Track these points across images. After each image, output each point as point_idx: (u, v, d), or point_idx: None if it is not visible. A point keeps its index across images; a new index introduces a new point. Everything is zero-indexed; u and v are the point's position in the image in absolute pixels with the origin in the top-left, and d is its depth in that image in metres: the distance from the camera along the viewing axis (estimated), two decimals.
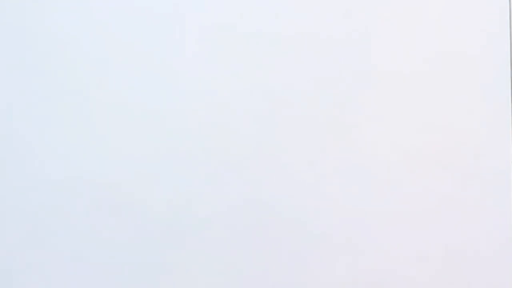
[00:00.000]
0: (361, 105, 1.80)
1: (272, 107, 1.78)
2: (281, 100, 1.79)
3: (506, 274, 1.81)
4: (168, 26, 1.77)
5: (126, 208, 1.74)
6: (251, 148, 1.77)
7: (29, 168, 1.72)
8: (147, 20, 1.76)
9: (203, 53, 1.77)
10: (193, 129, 1.76)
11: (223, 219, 1.76)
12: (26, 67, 1.74)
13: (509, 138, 1.83)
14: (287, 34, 1.80)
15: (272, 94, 1.79)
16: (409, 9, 1.82)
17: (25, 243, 1.71)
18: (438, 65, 1.82)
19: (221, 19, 1.78)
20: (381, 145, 1.80)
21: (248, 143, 1.77)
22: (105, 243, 1.73)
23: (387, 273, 1.79)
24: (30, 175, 1.72)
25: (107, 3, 1.76)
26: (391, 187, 1.80)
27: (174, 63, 1.76)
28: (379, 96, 1.81)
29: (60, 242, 1.72)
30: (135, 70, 1.76)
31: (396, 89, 1.81)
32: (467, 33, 1.83)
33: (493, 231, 1.81)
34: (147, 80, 1.76)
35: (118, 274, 1.73)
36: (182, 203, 1.75)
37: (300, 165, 1.78)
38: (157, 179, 1.75)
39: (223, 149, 1.77)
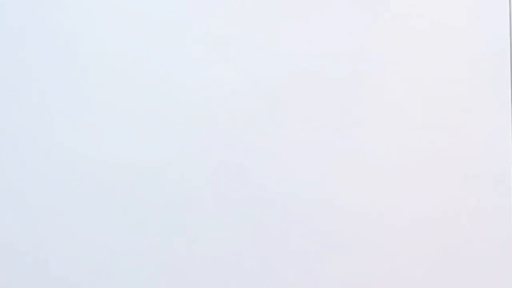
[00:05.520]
0: (363, 106, 1.80)
1: (274, 107, 1.78)
2: (282, 100, 1.79)
3: (506, 274, 1.81)
4: (172, 29, 1.77)
5: (127, 205, 1.74)
6: (253, 148, 1.77)
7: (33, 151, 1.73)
8: (150, 22, 1.77)
9: (204, 54, 1.78)
10: (194, 129, 1.76)
11: (222, 218, 1.76)
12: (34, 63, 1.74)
13: (509, 138, 1.83)
14: (288, 38, 1.80)
15: (273, 94, 1.79)
16: (410, 10, 1.82)
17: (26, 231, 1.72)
18: (438, 66, 1.82)
19: (224, 27, 1.78)
20: (382, 146, 1.80)
21: (250, 143, 1.77)
22: (101, 240, 1.73)
23: (386, 273, 1.79)
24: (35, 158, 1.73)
25: (112, 6, 1.76)
26: (391, 187, 1.80)
27: (175, 64, 1.77)
28: (381, 97, 1.81)
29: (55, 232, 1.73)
30: (139, 72, 1.76)
31: (397, 90, 1.81)
32: (467, 33, 1.83)
33: (493, 231, 1.81)
34: (151, 83, 1.76)
35: (117, 269, 1.73)
36: (182, 201, 1.75)
37: (301, 164, 1.78)
38: (159, 176, 1.75)
39: (224, 149, 1.77)
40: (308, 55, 1.80)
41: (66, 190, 1.72)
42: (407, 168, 1.80)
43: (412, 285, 1.79)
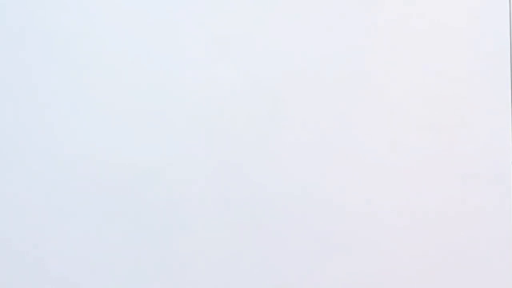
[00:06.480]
0: (363, 106, 1.80)
1: (274, 107, 1.78)
2: (282, 100, 1.79)
3: (506, 274, 1.81)
4: (171, 29, 1.77)
5: (127, 205, 1.74)
6: (253, 148, 1.77)
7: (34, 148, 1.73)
8: (150, 22, 1.77)
9: (204, 54, 1.78)
10: (194, 129, 1.76)
11: (222, 218, 1.76)
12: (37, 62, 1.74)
13: (509, 138, 1.83)
14: (288, 38, 1.80)
15: (273, 94, 1.79)
16: (410, 10, 1.83)
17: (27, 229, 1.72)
18: (438, 66, 1.82)
19: (223, 28, 1.78)
20: (382, 146, 1.80)
21: (250, 143, 1.77)
22: (101, 240, 1.73)
23: (387, 273, 1.79)
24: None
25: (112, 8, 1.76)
26: (391, 187, 1.80)
27: (175, 64, 1.77)
28: (381, 97, 1.81)
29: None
30: (139, 72, 1.76)
31: (397, 90, 1.81)
32: (467, 33, 1.83)
33: (493, 231, 1.81)
34: (151, 83, 1.76)
35: (118, 269, 1.73)
36: (182, 201, 1.75)
37: (301, 164, 1.78)
38: (159, 176, 1.75)
39: (224, 149, 1.77)
40: (308, 55, 1.80)
41: (66, 190, 1.72)
42: (407, 168, 1.80)
43: (412, 285, 1.79)
